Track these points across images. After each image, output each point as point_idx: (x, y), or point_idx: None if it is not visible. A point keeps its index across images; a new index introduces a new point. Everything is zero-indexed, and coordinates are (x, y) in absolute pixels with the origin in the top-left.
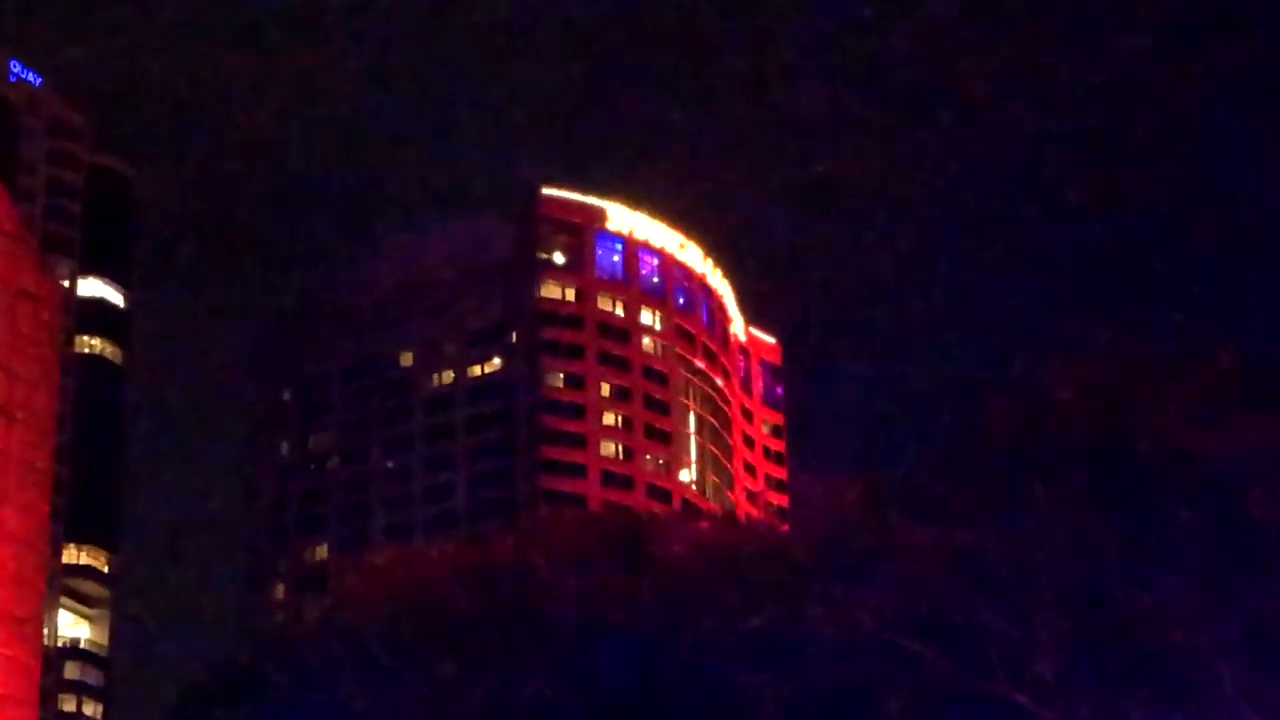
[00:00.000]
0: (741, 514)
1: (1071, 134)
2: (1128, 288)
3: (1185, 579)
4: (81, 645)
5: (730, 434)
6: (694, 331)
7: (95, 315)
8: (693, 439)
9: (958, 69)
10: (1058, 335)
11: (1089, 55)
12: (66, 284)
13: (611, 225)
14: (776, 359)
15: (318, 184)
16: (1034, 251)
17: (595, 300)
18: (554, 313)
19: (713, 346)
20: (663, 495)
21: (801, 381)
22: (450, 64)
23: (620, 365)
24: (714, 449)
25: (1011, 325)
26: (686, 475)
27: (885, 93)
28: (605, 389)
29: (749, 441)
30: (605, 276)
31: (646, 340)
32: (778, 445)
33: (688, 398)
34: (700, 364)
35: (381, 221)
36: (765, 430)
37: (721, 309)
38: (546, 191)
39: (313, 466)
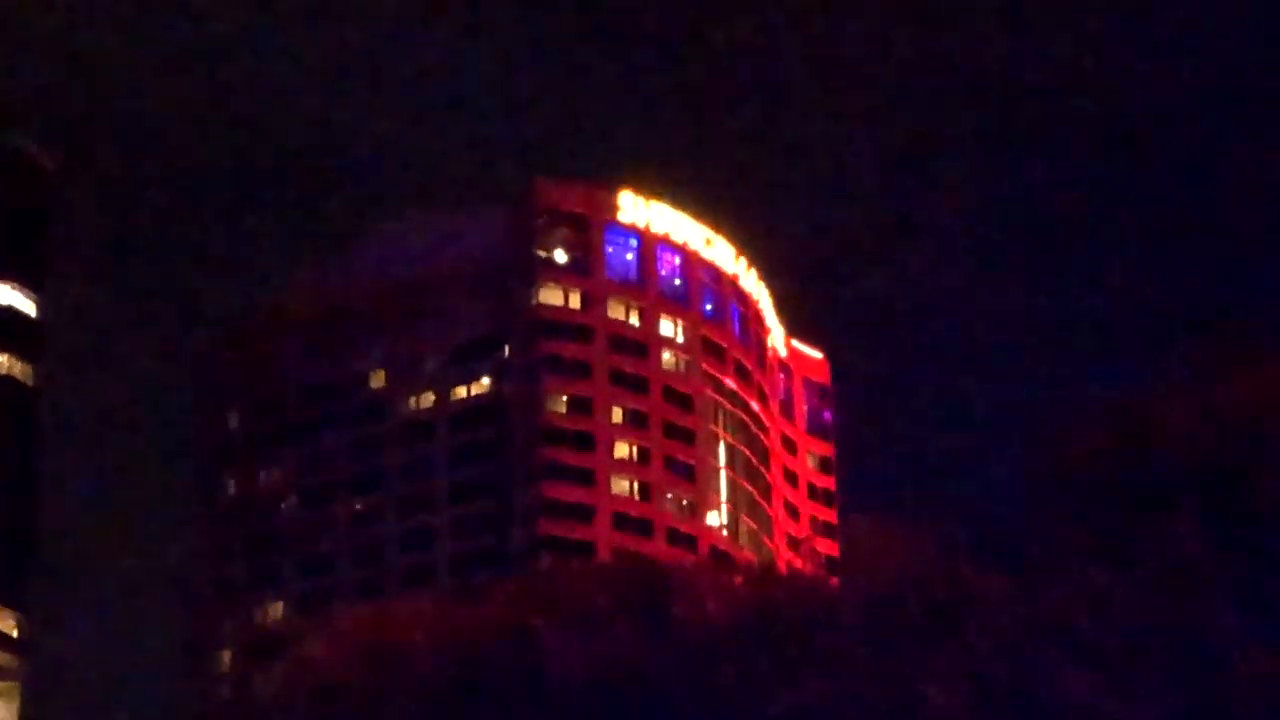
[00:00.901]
0: (782, 565)
1: (1158, 144)
2: (1236, 298)
3: None
4: None
5: (768, 468)
6: (724, 344)
7: (2, 326)
8: (723, 474)
9: (1037, 67)
10: (1159, 352)
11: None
12: None
13: (623, 217)
14: (824, 377)
15: (273, 176)
16: (1129, 255)
17: (605, 307)
18: (555, 322)
19: (747, 363)
20: (687, 542)
21: (854, 405)
22: (431, 35)
23: (635, 385)
24: (748, 486)
25: (1104, 340)
26: (715, 518)
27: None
28: (617, 414)
29: (791, 477)
30: (616, 278)
31: (667, 355)
32: (825, 482)
33: (717, 424)
34: (731, 384)
35: (349, 218)
36: (810, 464)
37: (757, 317)
38: (545, 177)
39: (265, 508)
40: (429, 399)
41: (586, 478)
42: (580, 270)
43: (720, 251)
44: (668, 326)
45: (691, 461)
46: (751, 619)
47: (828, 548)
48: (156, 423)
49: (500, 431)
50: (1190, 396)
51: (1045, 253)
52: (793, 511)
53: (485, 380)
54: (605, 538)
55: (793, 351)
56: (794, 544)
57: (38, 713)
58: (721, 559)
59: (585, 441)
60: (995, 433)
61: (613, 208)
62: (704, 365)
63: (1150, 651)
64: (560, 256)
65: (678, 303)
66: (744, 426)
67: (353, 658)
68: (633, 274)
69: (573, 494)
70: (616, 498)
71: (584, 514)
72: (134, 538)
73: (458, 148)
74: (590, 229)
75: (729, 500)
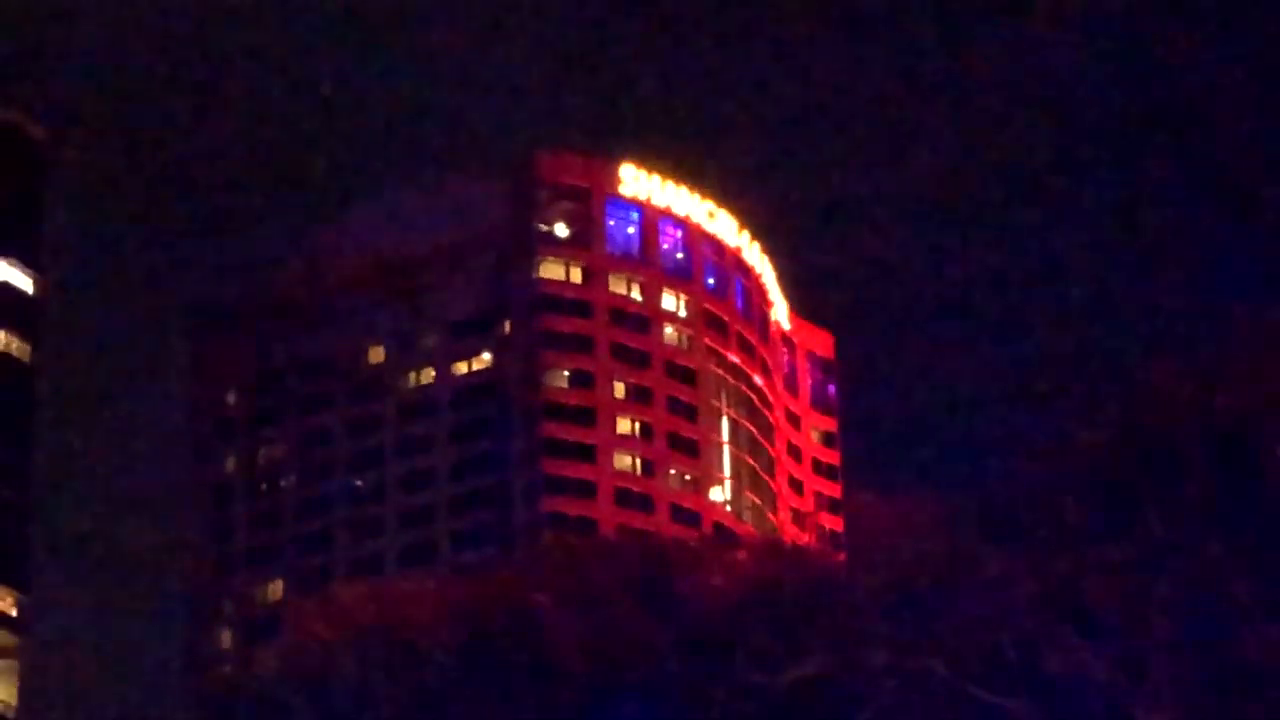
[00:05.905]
0: (786, 540)
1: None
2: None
3: None
4: None
5: (772, 443)
6: (727, 319)
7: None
8: (726, 450)
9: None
10: (1170, 324)
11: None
12: None
13: (625, 189)
14: (828, 352)
15: (270, 148)
16: (1133, 226)
17: (606, 281)
18: (556, 297)
19: (750, 337)
20: (690, 518)
21: (859, 379)
22: (425, 4)
23: (637, 360)
24: (752, 461)
25: (1113, 310)
26: (719, 494)
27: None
28: (619, 389)
29: (795, 452)
30: (618, 252)
31: (669, 329)
32: (830, 456)
33: (719, 400)
34: (735, 358)
35: (347, 192)
36: (815, 438)
37: (760, 291)
38: (545, 149)
39: (264, 486)
40: (429, 375)
41: (588, 454)
42: (581, 244)
43: (723, 224)
44: (670, 300)
45: (694, 437)
46: (755, 594)
47: (832, 522)
48: (154, 400)
49: (501, 407)
50: (1195, 365)
51: (1058, 223)
52: (796, 486)
53: (485, 356)
54: (607, 514)
55: (796, 325)
56: (798, 519)
57: (39, 692)
58: (724, 534)
59: (586, 417)
60: (1004, 406)
61: (614, 180)
62: (706, 340)
63: (1156, 621)
64: (561, 230)
65: (680, 276)
66: (747, 401)
67: (353, 635)
68: (634, 247)
69: (574, 470)
70: (618, 473)
71: (585, 490)
72: (133, 516)
73: (456, 119)
74: (591, 202)
75: (732, 475)
